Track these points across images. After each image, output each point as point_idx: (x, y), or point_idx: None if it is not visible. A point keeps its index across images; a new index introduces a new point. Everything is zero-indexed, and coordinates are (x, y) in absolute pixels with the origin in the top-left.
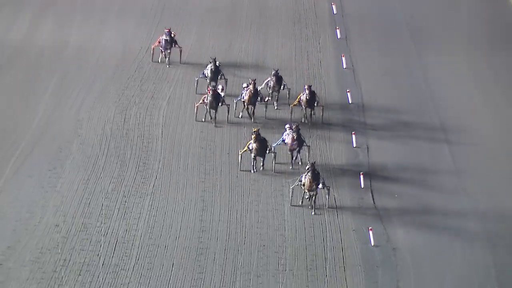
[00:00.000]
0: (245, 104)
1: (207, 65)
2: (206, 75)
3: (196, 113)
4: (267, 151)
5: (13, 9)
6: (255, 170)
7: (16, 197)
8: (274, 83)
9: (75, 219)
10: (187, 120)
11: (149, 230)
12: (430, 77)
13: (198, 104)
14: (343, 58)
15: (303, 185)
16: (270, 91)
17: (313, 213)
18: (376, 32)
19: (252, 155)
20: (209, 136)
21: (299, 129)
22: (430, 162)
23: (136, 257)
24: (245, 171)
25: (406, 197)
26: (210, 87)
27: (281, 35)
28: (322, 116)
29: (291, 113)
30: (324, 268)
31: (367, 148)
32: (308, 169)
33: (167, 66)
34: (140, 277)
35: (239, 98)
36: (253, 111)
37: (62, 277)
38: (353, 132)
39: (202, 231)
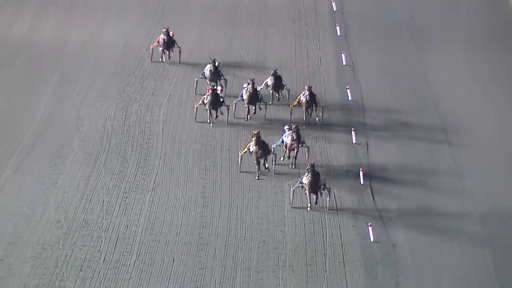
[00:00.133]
0: (245, 104)
1: (207, 65)
2: (206, 76)
3: (196, 114)
4: (269, 153)
5: (13, 8)
6: (259, 175)
7: (17, 194)
8: (273, 83)
9: (77, 215)
10: (188, 117)
11: (150, 226)
12: (430, 77)
13: (197, 105)
14: (343, 55)
15: (304, 185)
16: (271, 91)
17: (308, 208)
18: (376, 32)
19: (254, 159)
20: (209, 133)
21: (299, 129)
22: (430, 162)
23: (137, 252)
24: (245, 172)
25: (406, 197)
26: (210, 87)
27: (281, 33)
28: (322, 116)
29: (291, 114)
30: (324, 264)
31: (367, 145)
32: (308, 170)
33: (165, 61)
34: (141, 272)
35: (238, 99)
36: (255, 111)
37: (64, 273)
38: (352, 129)
39: (203, 227)
